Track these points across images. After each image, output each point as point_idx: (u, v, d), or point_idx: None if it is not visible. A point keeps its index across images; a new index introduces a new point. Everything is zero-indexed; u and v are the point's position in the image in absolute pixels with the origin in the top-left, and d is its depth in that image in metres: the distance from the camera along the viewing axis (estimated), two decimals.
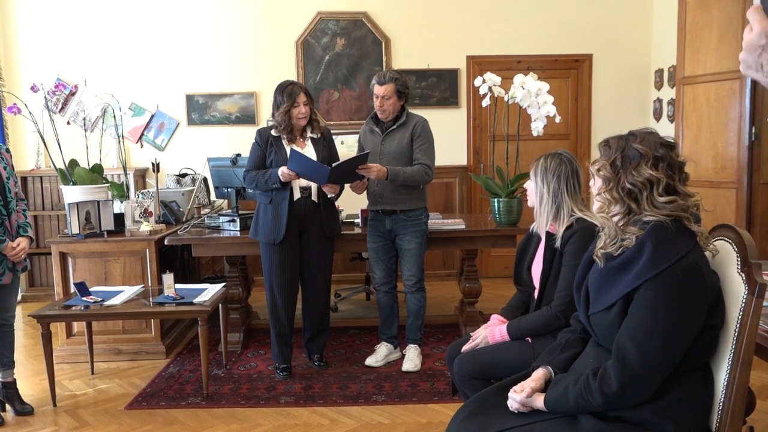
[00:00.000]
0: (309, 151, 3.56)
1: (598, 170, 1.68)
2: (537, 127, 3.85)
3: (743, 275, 1.58)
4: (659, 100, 5.76)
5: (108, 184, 4.32)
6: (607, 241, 1.68)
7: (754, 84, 4.48)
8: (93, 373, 3.83)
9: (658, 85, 5.77)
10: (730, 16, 4.55)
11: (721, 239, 1.69)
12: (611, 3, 5.84)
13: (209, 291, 3.57)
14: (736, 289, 1.59)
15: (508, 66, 5.63)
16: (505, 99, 3.89)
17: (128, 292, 3.61)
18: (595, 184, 1.72)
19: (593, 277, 1.73)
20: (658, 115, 5.79)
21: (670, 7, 5.33)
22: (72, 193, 4.09)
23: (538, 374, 1.82)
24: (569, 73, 5.95)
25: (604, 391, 1.57)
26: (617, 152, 1.64)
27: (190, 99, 5.86)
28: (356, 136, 3.94)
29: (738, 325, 1.56)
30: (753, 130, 4.52)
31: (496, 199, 3.98)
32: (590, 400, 1.60)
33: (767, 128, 4.53)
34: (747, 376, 1.55)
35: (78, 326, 4.02)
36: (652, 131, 1.67)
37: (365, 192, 3.71)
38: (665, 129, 5.36)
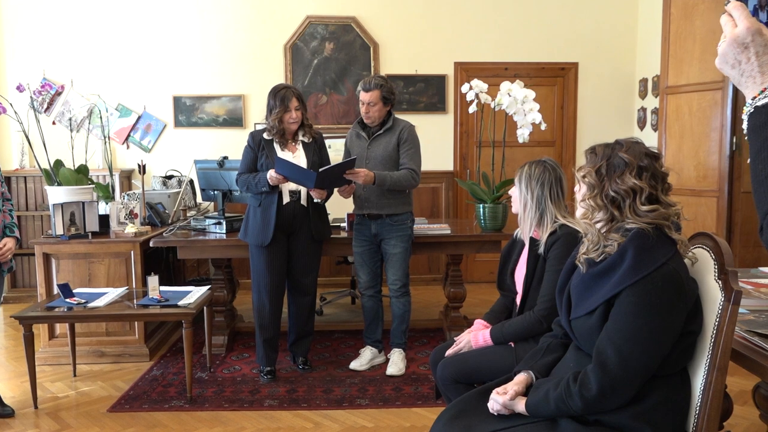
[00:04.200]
0: (299, 156, 3.57)
1: (584, 177, 1.71)
2: (523, 134, 3.89)
3: (720, 282, 1.62)
4: (643, 109, 5.84)
5: (93, 185, 4.30)
6: (590, 246, 1.71)
7: (736, 94, 4.56)
8: (75, 376, 3.80)
9: (642, 94, 5.85)
10: (713, 27, 4.63)
11: (699, 247, 1.73)
12: (597, 13, 5.91)
13: (194, 293, 3.56)
14: (713, 295, 1.63)
15: (495, 73, 5.68)
16: (492, 106, 3.93)
17: (112, 294, 3.59)
18: (580, 190, 1.74)
19: (575, 283, 1.76)
20: (641, 124, 5.86)
21: (654, 17, 5.42)
22: (57, 194, 4.06)
23: (520, 378, 1.85)
24: (555, 81, 6.01)
25: (584, 395, 1.60)
26: (603, 160, 1.67)
27: (177, 101, 5.85)
28: (344, 140, 3.96)
29: (714, 331, 1.59)
30: (734, 140, 4.59)
31: (481, 205, 4.01)
32: (570, 403, 1.63)
33: None
34: (723, 381, 1.59)
35: (61, 328, 3.99)
36: (638, 141, 1.70)
37: (351, 196, 3.73)
38: (649, 137, 5.43)
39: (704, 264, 1.69)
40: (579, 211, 1.76)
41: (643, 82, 5.82)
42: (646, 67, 5.78)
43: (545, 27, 5.90)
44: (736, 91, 4.54)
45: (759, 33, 1.03)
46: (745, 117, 1.06)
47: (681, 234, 1.67)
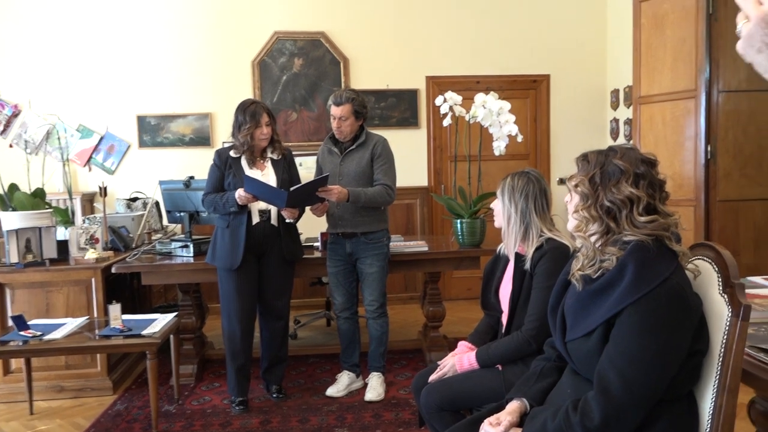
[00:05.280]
0: (269, 173, 3.42)
1: (576, 186, 1.58)
2: (499, 147, 3.79)
3: (726, 296, 1.50)
4: (615, 120, 5.82)
5: (51, 210, 4.07)
6: (585, 262, 1.58)
7: (708, 102, 4.54)
8: (32, 413, 3.54)
9: (614, 105, 5.84)
10: (683, 36, 4.62)
11: (700, 259, 1.61)
12: (567, 25, 5.90)
13: (159, 321, 3.36)
14: (718, 311, 1.51)
15: (467, 86, 5.61)
16: (467, 118, 3.83)
17: (71, 324, 3.37)
18: (572, 201, 1.61)
19: (570, 302, 1.62)
20: (614, 135, 5.84)
21: (623, 29, 5.41)
22: (11, 220, 3.82)
23: (513, 407, 1.70)
24: (527, 94, 5.96)
25: (586, 425, 1.46)
26: (596, 167, 1.55)
27: (141, 120, 5.64)
28: (315, 158, 3.82)
29: (722, 350, 1.47)
30: (708, 148, 4.57)
31: (458, 220, 3.89)
32: None
33: (722, 146, 4.58)
34: (734, 404, 1.46)
35: (16, 363, 3.73)
36: (633, 147, 1.58)
37: (324, 214, 3.58)
38: None
39: (706, 277, 1.57)
40: (571, 223, 1.63)
41: (615, 92, 5.81)
42: (616, 78, 5.77)
43: (516, 40, 5.86)
44: (709, 98, 4.52)
45: None
46: None
47: (681, 245, 1.55)
